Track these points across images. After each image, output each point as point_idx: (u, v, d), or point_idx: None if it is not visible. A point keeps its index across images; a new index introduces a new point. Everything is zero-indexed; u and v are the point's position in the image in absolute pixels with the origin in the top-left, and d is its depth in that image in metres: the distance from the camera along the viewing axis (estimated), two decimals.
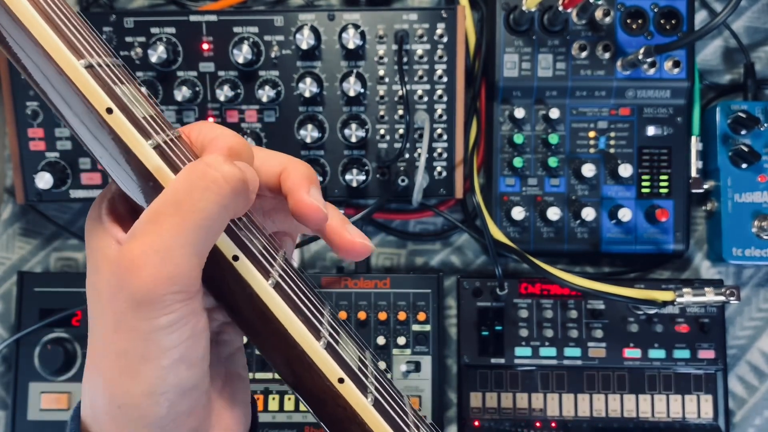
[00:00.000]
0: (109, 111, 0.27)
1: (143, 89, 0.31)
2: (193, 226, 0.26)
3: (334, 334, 0.31)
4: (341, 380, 0.30)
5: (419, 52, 0.66)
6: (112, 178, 0.29)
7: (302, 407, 0.67)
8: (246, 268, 0.29)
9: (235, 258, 0.29)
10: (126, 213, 0.30)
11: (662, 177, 0.68)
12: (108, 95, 0.27)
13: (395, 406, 0.31)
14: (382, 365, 0.65)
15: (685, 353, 0.67)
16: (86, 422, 0.29)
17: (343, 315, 0.67)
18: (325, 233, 0.34)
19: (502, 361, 0.67)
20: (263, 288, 0.29)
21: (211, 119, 0.67)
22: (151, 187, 0.28)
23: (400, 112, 0.67)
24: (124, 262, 0.26)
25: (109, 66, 0.29)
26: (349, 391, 0.30)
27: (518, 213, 0.67)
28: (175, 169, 0.28)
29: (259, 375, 0.67)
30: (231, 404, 0.33)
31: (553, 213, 0.66)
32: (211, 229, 0.27)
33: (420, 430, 0.32)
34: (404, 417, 0.31)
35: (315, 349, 0.30)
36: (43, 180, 0.65)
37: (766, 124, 0.67)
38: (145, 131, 0.28)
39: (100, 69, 0.28)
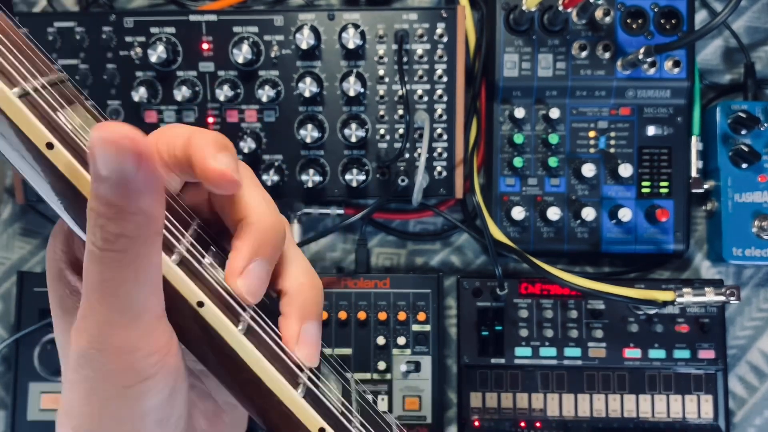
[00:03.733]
0: (50, 146, 0.24)
1: (89, 103, 0.27)
2: (109, 295, 0.24)
3: (314, 378, 0.29)
4: (322, 430, 0.28)
5: (419, 51, 0.66)
6: (61, 217, 0.26)
7: None
8: (212, 314, 0.26)
9: (200, 304, 0.26)
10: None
11: (662, 177, 0.68)
12: (47, 128, 0.24)
13: None
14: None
15: (685, 353, 0.67)
16: None
17: (342, 315, 0.67)
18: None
19: (502, 361, 0.67)
20: (232, 335, 0.27)
21: (210, 119, 0.67)
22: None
23: (400, 111, 0.67)
24: (75, 335, 0.24)
25: (52, 86, 0.25)
26: None
27: (518, 213, 0.67)
28: None
29: None
30: None
31: (553, 213, 0.66)
32: (130, 288, 0.24)
33: None
34: None
35: (292, 398, 0.27)
36: None
37: (766, 124, 0.67)
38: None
39: (38, 95, 0.24)
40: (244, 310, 0.28)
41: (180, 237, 0.27)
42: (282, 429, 0.28)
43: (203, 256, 0.28)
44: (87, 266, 0.24)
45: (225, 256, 0.29)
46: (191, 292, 0.26)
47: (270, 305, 0.30)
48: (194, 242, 0.28)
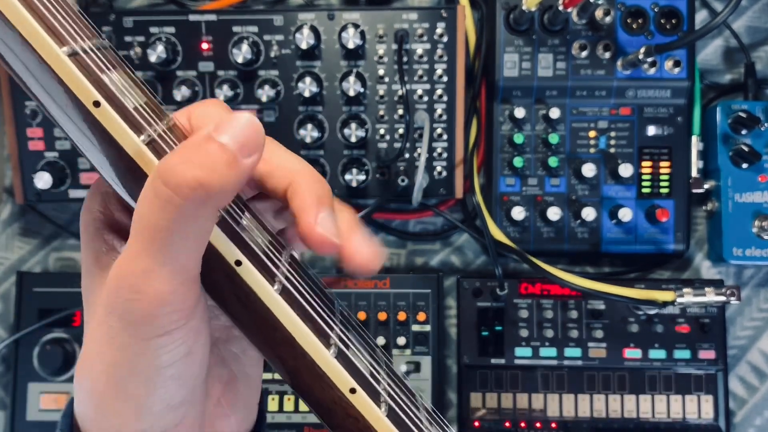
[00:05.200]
0: (97, 104, 0.25)
1: (132, 73, 0.28)
2: (158, 245, 0.24)
3: (345, 339, 0.29)
4: (353, 390, 0.28)
5: (419, 51, 0.66)
6: (102, 176, 0.27)
7: (302, 407, 0.67)
8: (249, 273, 0.27)
9: (238, 263, 0.27)
10: (122, 210, 0.29)
11: (663, 177, 0.68)
12: (95, 86, 0.25)
13: (409, 413, 0.30)
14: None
15: (685, 353, 0.67)
16: (79, 418, 0.29)
17: None
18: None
19: (502, 361, 0.67)
20: (268, 294, 0.27)
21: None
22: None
23: (400, 111, 0.67)
24: (113, 282, 0.25)
25: (97, 50, 0.26)
26: (361, 401, 0.28)
27: (518, 213, 0.67)
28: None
29: None
30: (230, 410, 0.32)
31: (553, 213, 0.66)
32: (180, 244, 0.24)
33: None
34: (419, 424, 0.30)
35: (325, 359, 0.28)
36: (42, 180, 0.65)
37: (766, 124, 0.67)
38: (136, 125, 0.25)
39: (86, 55, 0.25)
40: (278, 269, 0.28)
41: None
42: (313, 389, 0.28)
43: (240, 218, 0.28)
44: (145, 212, 0.24)
45: (259, 219, 0.29)
46: (229, 251, 0.26)
47: (304, 268, 0.30)
48: (231, 203, 0.28)
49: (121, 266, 0.25)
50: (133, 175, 0.25)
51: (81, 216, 0.29)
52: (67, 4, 0.26)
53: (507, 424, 0.67)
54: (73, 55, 0.24)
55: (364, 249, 0.30)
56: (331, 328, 0.29)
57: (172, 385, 0.27)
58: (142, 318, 0.25)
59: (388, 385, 0.30)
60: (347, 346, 0.29)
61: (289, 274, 0.29)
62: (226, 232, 0.27)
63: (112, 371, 0.26)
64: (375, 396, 0.28)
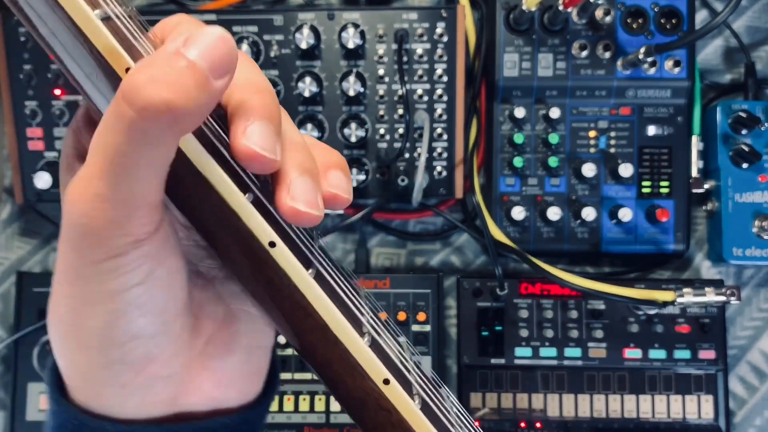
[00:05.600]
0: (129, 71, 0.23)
1: (158, 40, 0.26)
2: (115, 170, 0.22)
3: (377, 327, 0.28)
4: (386, 381, 0.26)
5: (419, 51, 0.66)
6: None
7: (302, 407, 0.67)
8: (284, 256, 0.25)
9: (272, 244, 0.25)
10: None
11: (663, 177, 0.68)
12: (128, 53, 0.23)
13: (441, 407, 0.28)
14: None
15: (685, 353, 0.67)
16: (60, 366, 0.28)
17: None
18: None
19: (502, 361, 0.67)
20: (303, 279, 0.26)
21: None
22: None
23: (400, 111, 0.67)
24: (65, 206, 0.24)
25: (129, 17, 0.25)
26: (395, 393, 0.26)
27: (518, 213, 0.67)
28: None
29: None
30: (225, 352, 0.30)
31: (553, 213, 0.66)
32: (139, 170, 0.22)
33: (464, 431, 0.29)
34: (449, 419, 0.28)
35: (359, 347, 0.26)
36: (42, 180, 0.65)
37: (766, 124, 0.67)
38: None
39: (118, 21, 0.24)
40: (312, 254, 0.27)
41: (253, 178, 0.26)
42: (345, 378, 0.27)
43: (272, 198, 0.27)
44: (106, 133, 0.22)
45: None
46: (263, 231, 0.25)
47: (329, 254, 0.29)
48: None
49: (73, 190, 0.23)
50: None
51: (60, 155, 0.29)
52: None
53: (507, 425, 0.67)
54: (105, 19, 0.23)
55: (298, 190, 0.25)
56: (363, 316, 0.27)
57: (134, 313, 0.25)
58: (91, 242, 0.23)
59: (417, 375, 0.29)
60: (379, 335, 0.28)
61: (321, 259, 0.27)
62: (259, 212, 0.25)
63: (71, 305, 0.25)
64: (408, 388, 0.27)
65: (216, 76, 0.22)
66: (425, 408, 0.27)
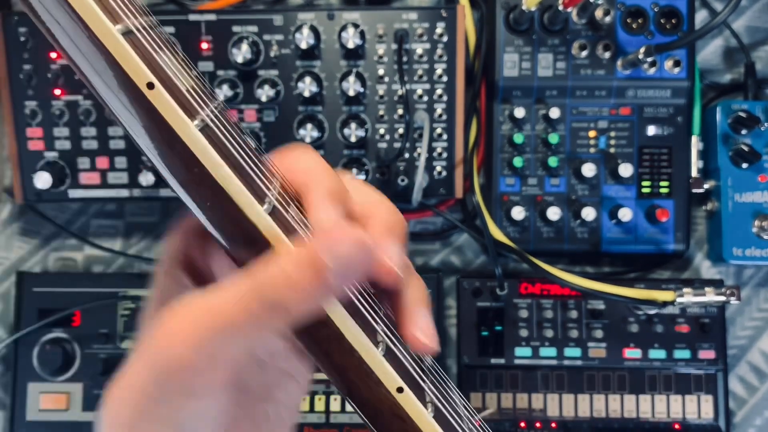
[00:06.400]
0: (150, 86, 0.23)
1: (179, 50, 0.27)
2: (219, 337, 0.25)
3: (390, 335, 0.28)
4: (400, 390, 0.27)
5: (419, 51, 0.66)
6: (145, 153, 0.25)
7: (302, 407, 0.67)
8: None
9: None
10: (199, 251, 0.30)
11: (662, 177, 0.68)
12: (148, 67, 0.23)
13: (453, 414, 0.29)
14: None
15: (685, 353, 0.67)
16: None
17: None
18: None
19: (502, 361, 0.67)
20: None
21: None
22: (197, 174, 0.25)
23: (400, 111, 0.67)
24: (160, 327, 0.25)
25: (150, 28, 0.25)
26: (408, 401, 0.27)
27: (518, 213, 0.67)
28: (220, 150, 0.25)
29: None
30: None
31: (553, 213, 0.66)
32: (236, 343, 0.25)
33: None
34: (462, 426, 0.29)
35: (374, 357, 0.27)
36: (42, 180, 0.65)
37: (766, 124, 0.67)
38: (189, 109, 0.24)
39: (139, 34, 0.24)
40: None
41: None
42: (360, 387, 0.27)
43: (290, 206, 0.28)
44: (230, 307, 0.25)
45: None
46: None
47: None
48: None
49: (183, 312, 0.25)
50: (178, 152, 0.24)
51: (165, 248, 0.30)
52: None
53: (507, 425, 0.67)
54: (127, 33, 0.23)
55: (423, 324, 0.29)
56: (378, 323, 0.28)
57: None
58: (169, 374, 0.25)
59: (432, 384, 0.29)
60: (393, 343, 0.28)
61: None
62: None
63: (135, 405, 0.26)
64: (422, 396, 0.27)
65: (341, 283, 0.25)
66: (438, 416, 0.28)
